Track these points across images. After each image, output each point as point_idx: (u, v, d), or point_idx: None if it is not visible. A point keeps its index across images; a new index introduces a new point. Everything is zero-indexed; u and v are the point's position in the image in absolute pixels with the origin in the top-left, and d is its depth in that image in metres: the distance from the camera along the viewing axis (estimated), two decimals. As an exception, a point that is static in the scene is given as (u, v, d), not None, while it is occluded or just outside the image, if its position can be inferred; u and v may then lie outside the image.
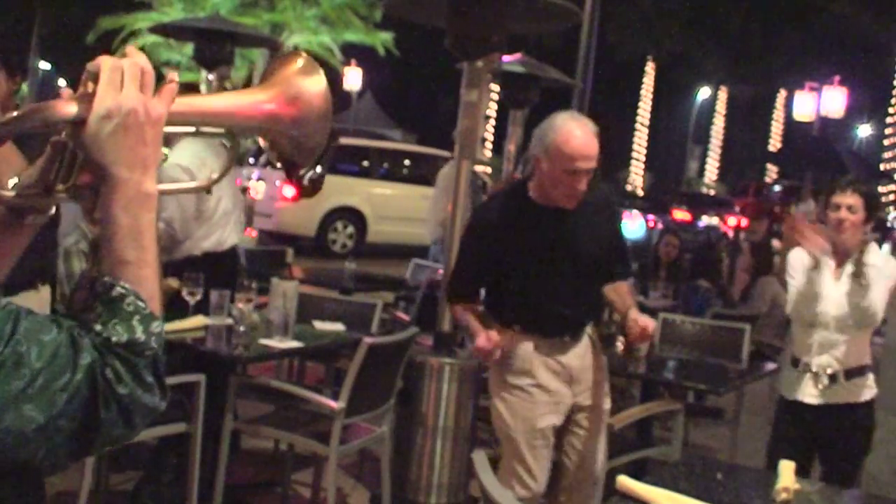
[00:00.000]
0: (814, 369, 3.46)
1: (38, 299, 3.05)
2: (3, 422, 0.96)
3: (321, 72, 1.21)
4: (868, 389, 3.51)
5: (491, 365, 3.29)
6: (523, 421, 3.19)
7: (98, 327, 1.04)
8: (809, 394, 3.48)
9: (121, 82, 1.07)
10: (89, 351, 1.02)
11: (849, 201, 3.37)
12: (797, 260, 3.58)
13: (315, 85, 1.21)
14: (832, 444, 3.51)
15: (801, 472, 3.09)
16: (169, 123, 1.13)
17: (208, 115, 1.19)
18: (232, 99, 1.20)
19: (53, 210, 1.24)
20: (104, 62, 1.08)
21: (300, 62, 1.21)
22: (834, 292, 3.43)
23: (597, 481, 3.34)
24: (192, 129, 1.23)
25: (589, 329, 3.36)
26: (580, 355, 3.27)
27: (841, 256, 3.45)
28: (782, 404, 3.59)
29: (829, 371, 3.45)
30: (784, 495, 2.36)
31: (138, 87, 1.08)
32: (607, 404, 3.39)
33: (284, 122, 1.20)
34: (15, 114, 1.08)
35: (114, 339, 1.03)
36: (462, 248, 3.33)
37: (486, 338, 3.04)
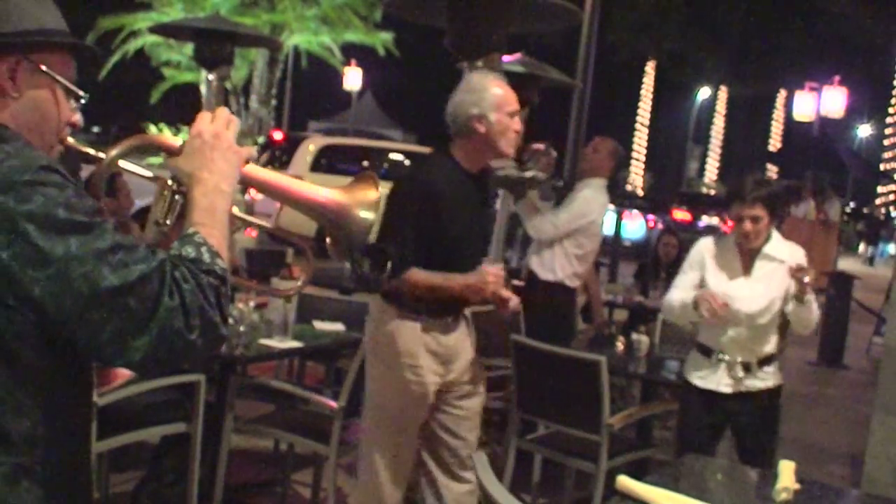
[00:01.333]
0: (727, 359, 3.49)
1: None
2: (83, 267, 1.19)
3: (377, 212, 1.54)
4: (776, 375, 3.55)
5: (371, 339, 3.17)
6: (401, 409, 3.11)
7: (172, 250, 1.30)
8: (724, 384, 3.50)
9: (211, 119, 1.45)
10: (163, 254, 1.27)
11: (753, 213, 3.38)
12: (701, 253, 3.58)
13: (366, 214, 1.54)
14: (746, 429, 3.54)
15: (709, 455, 3.10)
16: (245, 183, 1.48)
17: (272, 185, 1.53)
18: (298, 184, 1.55)
19: None
20: (203, 113, 1.47)
21: (373, 195, 1.55)
22: (746, 291, 3.45)
23: (471, 464, 3.19)
24: (267, 224, 1.74)
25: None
26: (459, 336, 3.21)
27: (746, 255, 3.49)
28: (692, 391, 3.58)
29: (740, 360, 3.48)
30: (784, 495, 2.36)
31: (224, 125, 1.45)
32: (483, 387, 3.31)
33: (327, 216, 1.53)
34: (139, 137, 1.51)
35: (183, 254, 1.29)
36: (406, 215, 3.03)
37: (493, 273, 3.01)
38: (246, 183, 1.49)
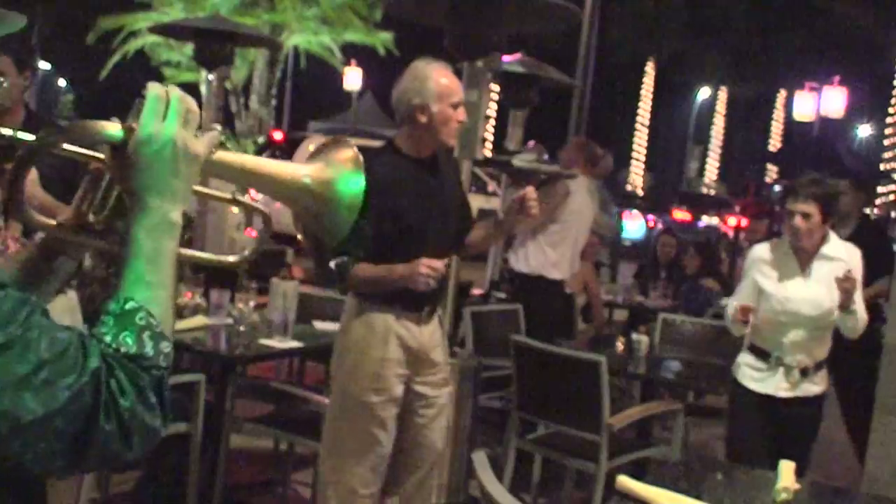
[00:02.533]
0: (786, 363, 3.49)
1: (66, 301, 3.03)
2: (2, 404, 0.95)
3: (363, 173, 1.26)
4: (826, 379, 3.61)
5: (342, 329, 3.14)
6: (368, 398, 3.07)
7: (108, 338, 1.05)
8: (782, 388, 3.50)
9: (164, 113, 1.12)
10: (97, 357, 1.02)
11: (803, 209, 3.36)
12: (753, 258, 3.59)
13: (354, 181, 1.26)
14: (794, 435, 3.53)
15: (771, 465, 3.08)
16: (208, 172, 1.18)
17: (245, 171, 1.24)
18: (271, 164, 1.26)
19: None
20: (151, 91, 1.12)
21: (350, 154, 1.27)
22: (805, 292, 3.44)
23: (433, 468, 3.26)
24: (228, 195, 1.35)
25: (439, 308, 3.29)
26: (432, 331, 3.20)
27: (803, 256, 3.48)
28: (746, 396, 3.56)
29: (801, 366, 3.49)
30: (784, 495, 2.36)
31: (181, 123, 1.13)
32: (449, 389, 3.30)
33: (313, 198, 1.25)
34: (60, 125, 1.11)
35: (122, 349, 1.04)
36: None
37: (425, 264, 2.96)
38: (208, 172, 1.20)
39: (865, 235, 4.68)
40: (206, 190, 1.32)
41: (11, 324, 0.98)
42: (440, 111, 3.04)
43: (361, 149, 1.36)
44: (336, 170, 1.26)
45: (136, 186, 1.11)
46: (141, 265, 1.10)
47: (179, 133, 1.12)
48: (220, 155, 1.20)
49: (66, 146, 1.15)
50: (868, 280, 4.51)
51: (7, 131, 1.13)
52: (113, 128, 1.12)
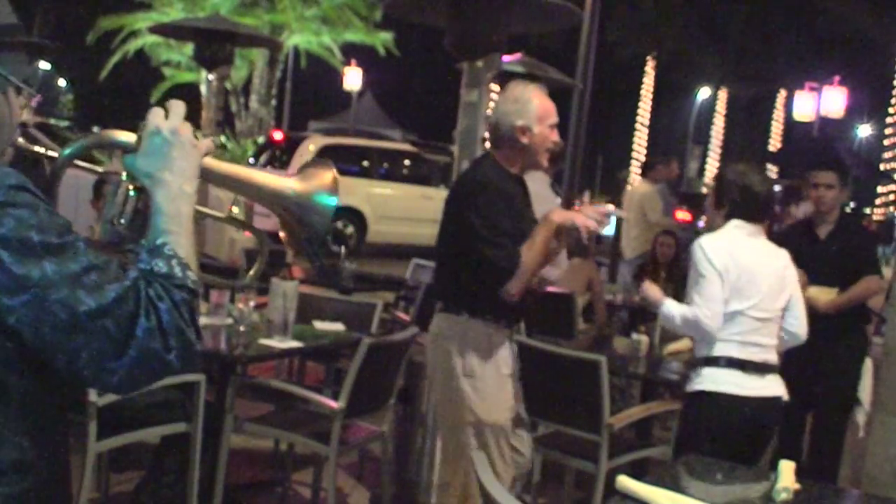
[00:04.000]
0: None
1: None
2: (60, 292, 1.15)
3: (336, 196, 1.49)
4: (690, 382, 3.32)
5: (462, 358, 3.15)
6: (508, 409, 3.21)
7: (142, 265, 1.26)
8: None
9: (166, 114, 1.37)
10: (136, 271, 1.24)
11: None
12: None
13: (328, 200, 1.48)
14: None
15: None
16: (205, 177, 1.42)
17: (236, 179, 1.49)
18: (259, 174, 1.51)
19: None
20: (152, 110, 1.38)
21: (329, 177, 1.50)
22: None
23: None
24: (222, 215, 1.70)
25: None
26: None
27: None
28: None
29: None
30: (784, 495, 2.36)
31: (181, 119, 1.38)
32: None
33: (289, 206, 1.48)
34: (85, 135, 1.46)
35: (155, 269, 1.25)
36: (499, 213, 3.05)
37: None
38: (204, 177, 1.42)
39: (844, 232, 4.60)
40: (204, 209, 1.55)
41: (66, 233, 1.19)
42: (540, 132, 3.12)
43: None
44: (315, 184, 1.49)
45: (152, 169, 1.33)
46: (164, 220, 1.30)
47: (181, 126, 1.36)
48: (215, 163, 1.44)
49: (78, 163, 1.41)
50: (845, 281, 4.49)
51: (39, 148, 1.40)
52: (126, 135, 1.39)
